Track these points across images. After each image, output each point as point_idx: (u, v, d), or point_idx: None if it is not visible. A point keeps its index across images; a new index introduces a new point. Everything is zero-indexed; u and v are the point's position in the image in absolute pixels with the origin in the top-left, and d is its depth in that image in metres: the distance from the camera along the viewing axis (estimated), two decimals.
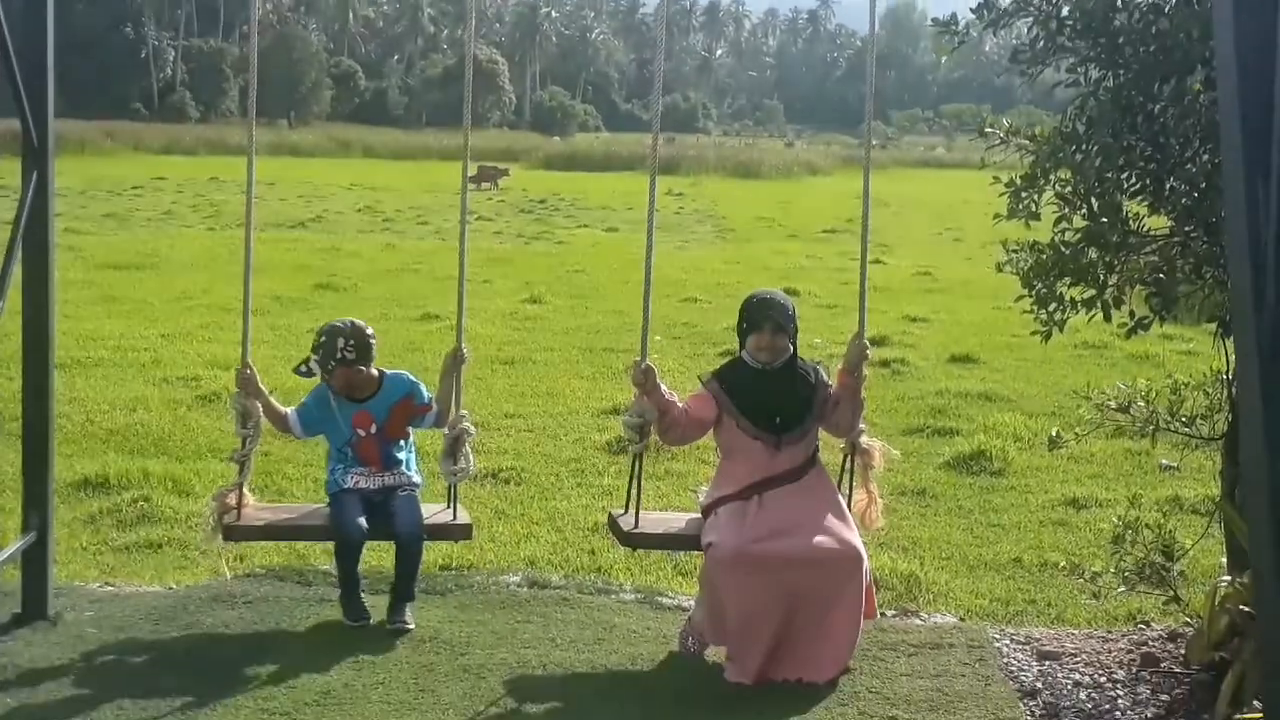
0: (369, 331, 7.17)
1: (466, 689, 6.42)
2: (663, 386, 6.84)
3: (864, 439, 6.96)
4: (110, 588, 7.85)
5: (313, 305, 18.77)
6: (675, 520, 7.39)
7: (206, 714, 6.07)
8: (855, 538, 6.65)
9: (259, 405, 7.14)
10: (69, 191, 33.26)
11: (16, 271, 6.89)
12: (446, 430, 7.33)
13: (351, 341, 7.02)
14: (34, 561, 7.16)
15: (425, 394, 7.37)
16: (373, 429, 7.25)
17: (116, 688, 6.34)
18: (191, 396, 12.88)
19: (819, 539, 6.54)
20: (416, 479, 7.45)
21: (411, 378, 7.47)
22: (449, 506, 7.45)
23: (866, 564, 6.69)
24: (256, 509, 7.34)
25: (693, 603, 7.20)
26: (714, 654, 6.78)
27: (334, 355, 7.03)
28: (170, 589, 7.86)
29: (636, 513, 7.02)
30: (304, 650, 6.86)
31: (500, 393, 13.14)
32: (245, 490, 7.18)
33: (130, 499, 9.55)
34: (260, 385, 7.16)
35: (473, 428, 7.40)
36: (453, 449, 7.29)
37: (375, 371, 7.27)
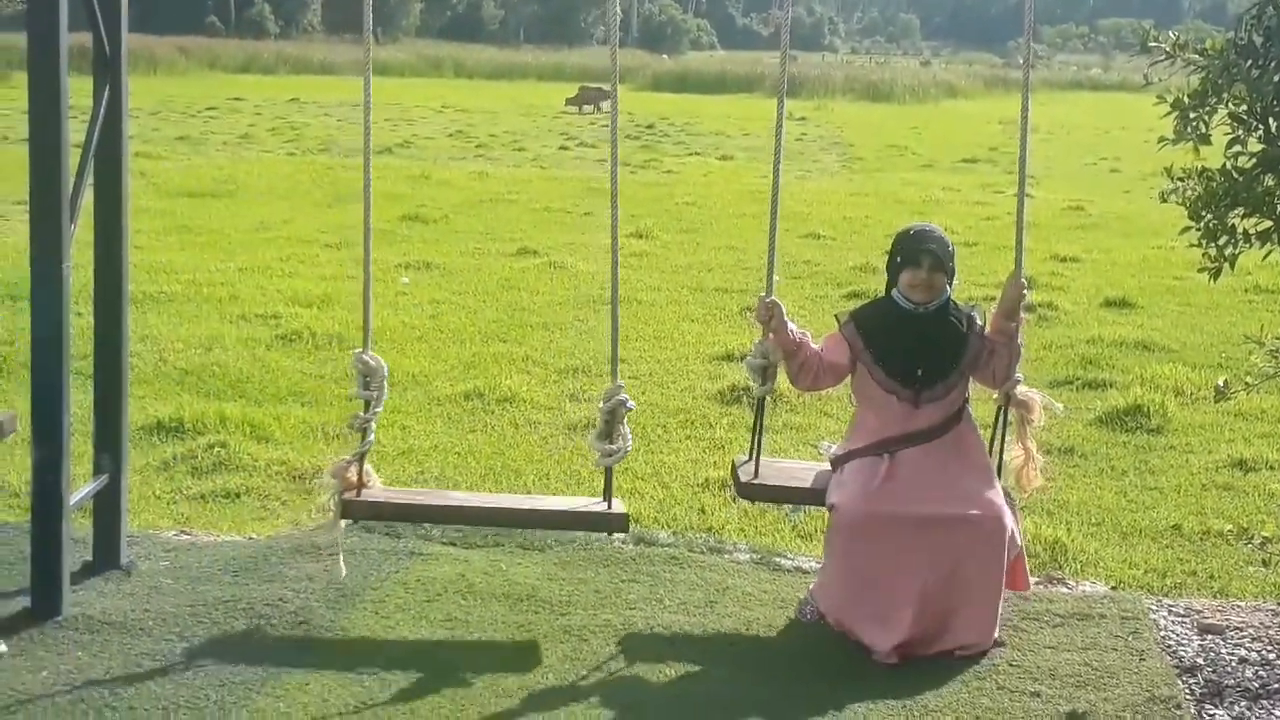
0: None
1: (568, 651, 6.45)
2: (791, 325, 6.78)
3: (1021, 389, 6.79)
4: (186, 537, 7.98)
5: (399, 238, 18.89)
6: (802, 472, 7.30)
7: (289, 673, 6.14)
8: (999, 500, 6.57)
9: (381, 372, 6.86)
10: (140, 112, 33.47)
11: (88, 197, 6.99)
12: (602, 402, 6.93)
13: None
14: (106, 507, 7.28)
15: None
16: None
17: (194, 641, 6.42)
18: (271, 335, 13.01)
19: (955, 502, 6.48)
20: None
21: None
22: (604, 497, 7.01)
23: (1013, 530, 6.60)
24: (382, 490, 7.10)
25: (817, 566, 7.19)
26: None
27: None
28: (250, 539, 7.97)
29: (757, 463, 6.98)
30: (393, 606, 6.93)
31: (603, 336, 13.14)
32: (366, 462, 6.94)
33: (206, 444, 9.66)
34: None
35: (631, 401, 6.94)
36: (608, 425, 6.85)
37: None
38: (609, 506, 6.93)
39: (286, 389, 11.22)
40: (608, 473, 6.95)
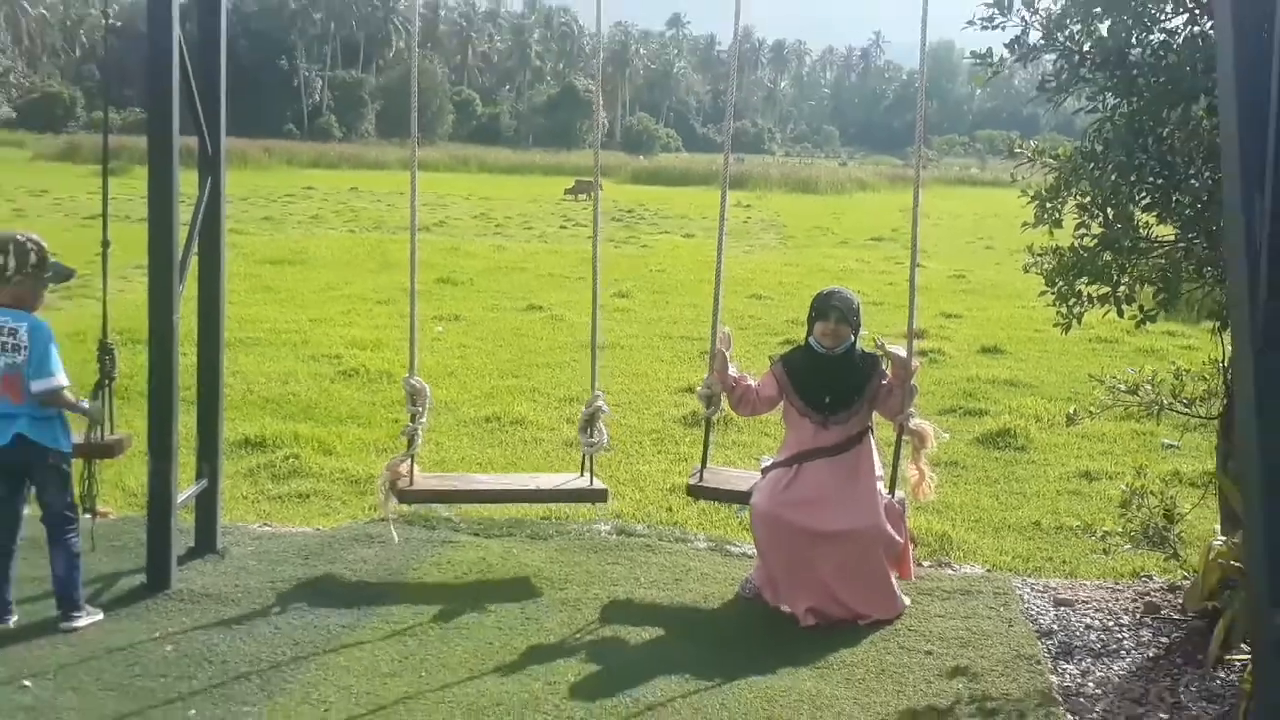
0: None
1: (565, 618, 6.49)
2: (732, 367, 6.89)
3: (914, 421, 6.81)
4: (267, 528, 8.00)
5: (435, 296, 18.88)
6: (740, 478, 7.35)
7: (346, 634, 6.18)
8: (879, 511, 6.60)
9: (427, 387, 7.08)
10: (233, 198, 33.24)
11: (193, 263, 7.04)
12: (584, 408, 7.26)
13: None
14: (205, 504, 7.31)
15: None
16: None
17: (272, 610, 6.46)
18: (334, 371, 12.99)
19: (842, 518, 6.52)
20: None
21: None
22: (584, 474, 7.35)
23: (891, 535, 6.62)
24: (423, 477, 7.27)
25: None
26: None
27: None
28: (317, 530, 7.99)
29: (702, 471, 7.11)
30: (428, 583, 6.97)
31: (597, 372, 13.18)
32: (415, 458, 7.11)
33: (283, 456, 9.68)
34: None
35: (606, 406, 7.27)
36: (589, 423, 7.21)
37: None
38: (590, 483, 7.22)
39: (346, 413, 11.24)
40: (590, 460, 7.24)
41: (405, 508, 7.89)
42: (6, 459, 6.01)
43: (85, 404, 6.34)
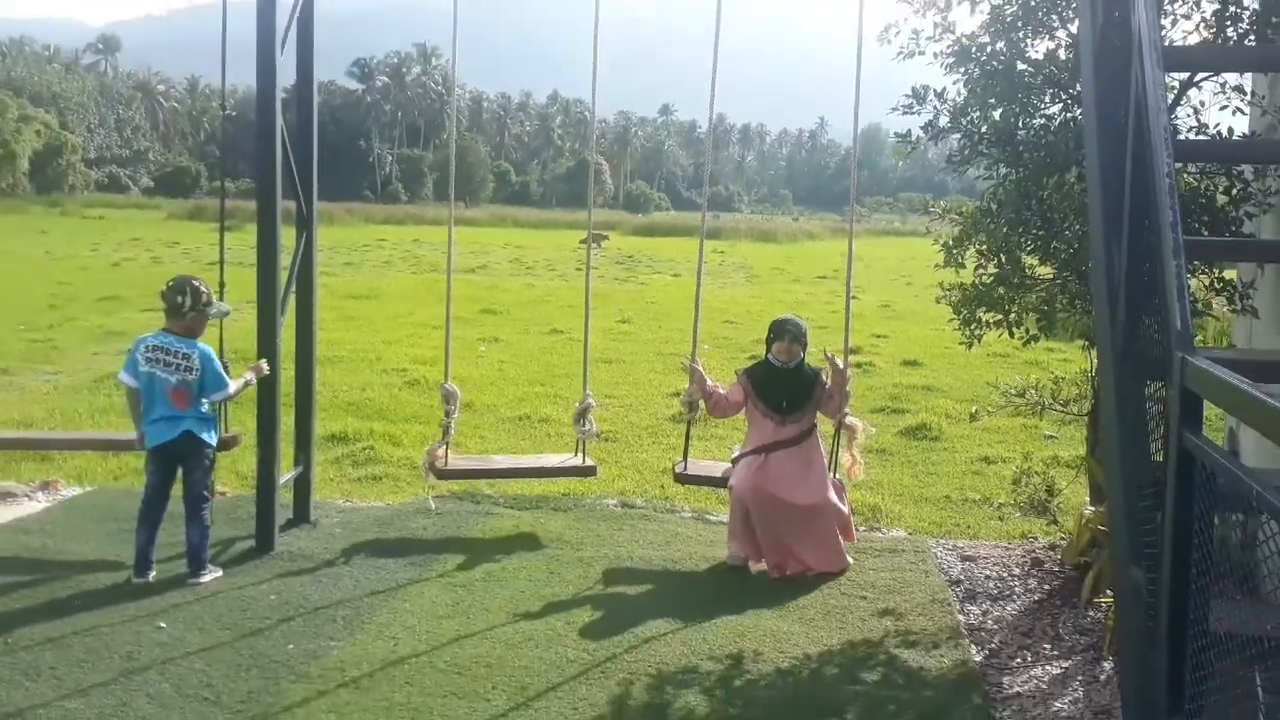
0: None
1: (581, 572, 6.49)
2: (708, 379, 6.90)
3: (849, 419, 6.86)
4: (349, 503, 7.99)
5: (478, 323, 18.89)
6: (715, 468, 7.34)
7: (410, 584, 6.18)
8: (830, 489, 6.63)
9: (458, 393, 7.13)
10: (322, 248, 33.02)
11: (291, 299, 7.05)
12: (578, 404, 7.28)
13: None
14: (300, 485, 7.32)
15: None
16: None
17: (353, 566, 6.47)
18: (401, 381, 12.95)
19: (802, 493, 6.54)
20: None
21: None
22: (578, 454, 7.44)
23: (839, 506, 6.65)
24: (455, 458, 7.32)
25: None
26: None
27: None
28: (387, 505, 7.97)
29: (686, 460, 7.10)
30: (474, 545, 6.95)
31: (603, 382, 13.16)
32: (449, 445, 7.19)
33: (361, 447, 9.67)
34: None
35: (594, 402, 7.34)
36: (581, 416, 7.24)
37: None
38: (583, 461, 7.32)
39: (410, 414, 11.22)
40: (583, 443, 7.32)
41: (455, 486, 7.93)
42: (172, 450, 6.14)
43: (247, 376, 6.47)
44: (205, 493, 6.26)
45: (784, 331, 6.77)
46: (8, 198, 72.12)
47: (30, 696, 4.71)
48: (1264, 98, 6.41)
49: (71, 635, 5.33)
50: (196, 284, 6.21)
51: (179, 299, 6.14)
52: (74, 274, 26.32)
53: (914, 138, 6.54)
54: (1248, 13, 5.80)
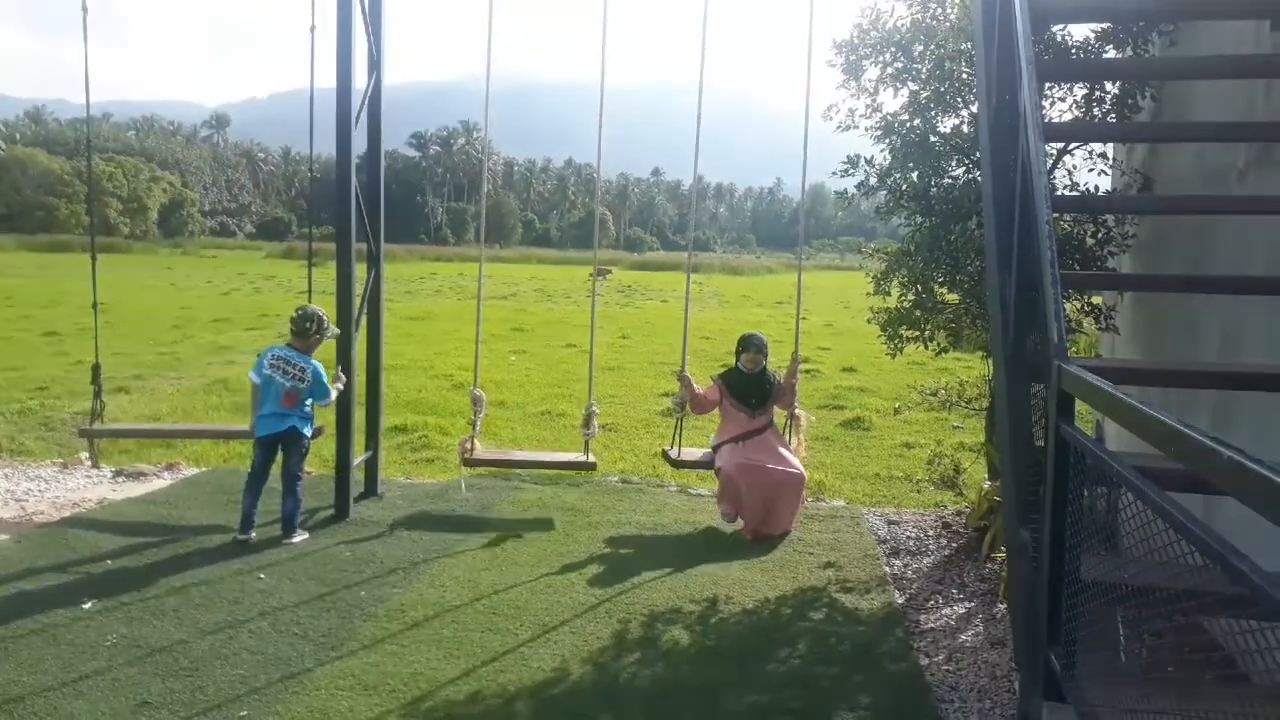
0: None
1: (590, 535, 6.47)
2: (695, 384, 6.86)
3: (799, 411, 6.89)
4: (408, 480, 7.95)
5: (508, 339, 18.84)
6: (698, 453, 7.32)
7: (456, 544, 6.15)
8: (798, 464, 6.60)
9: (484, 397, 7.06)
10: (387, 280, 33.37)
11: (363, 321, 7.02)
12: (584, 410, 7.11)
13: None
14: (370, 466, 7.29)
15: None
16: None
17: (411, 530, 6.43)
18: (449, 385, 12.89)
19: (777, 466, 6.51)
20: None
21: None
22: (585, 453, 7.17)
23: (805, 478, 6.63)
24: (482, 450, 7.19)
25: (713, 493, 7.18)
26: (714, 522, 6.80)
27: None
28: (438, 481, 7.93)
29: (679, 448, 7.04)
30: (505, 514, 6.93)
31: (608, 385, 13.15)
32: (477, 439, 7.07)
33: (417, 436, 9.62)
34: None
35: (597, 409, 7.16)
36: (587, 420, 7.05)
37: None
38: (587, 458, 7.06)
39: (456, 410, 11.15)
40: (586, 444, 7.11)
41: (488, 471, 7.88)
42: (279, 438, 6.20)
43: (339, 386, 6.52)
44: (299, 473, 6.25)
45: (750, 344, 6.79)
46: (140, 241, 72.03)
47: (158, 633, 4.70)
48: (1122, 162, 6.44)
49: (191, 585, 5.32)
50: (320, 314, 6.31)
51: (308, 325, 6.26)
52: (193, 300, 26.26)
53: (850, 194, 6.56)
54: (1109, 96, 5.83)
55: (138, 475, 7.73)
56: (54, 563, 5.61)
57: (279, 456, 6.24)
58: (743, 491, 6.51)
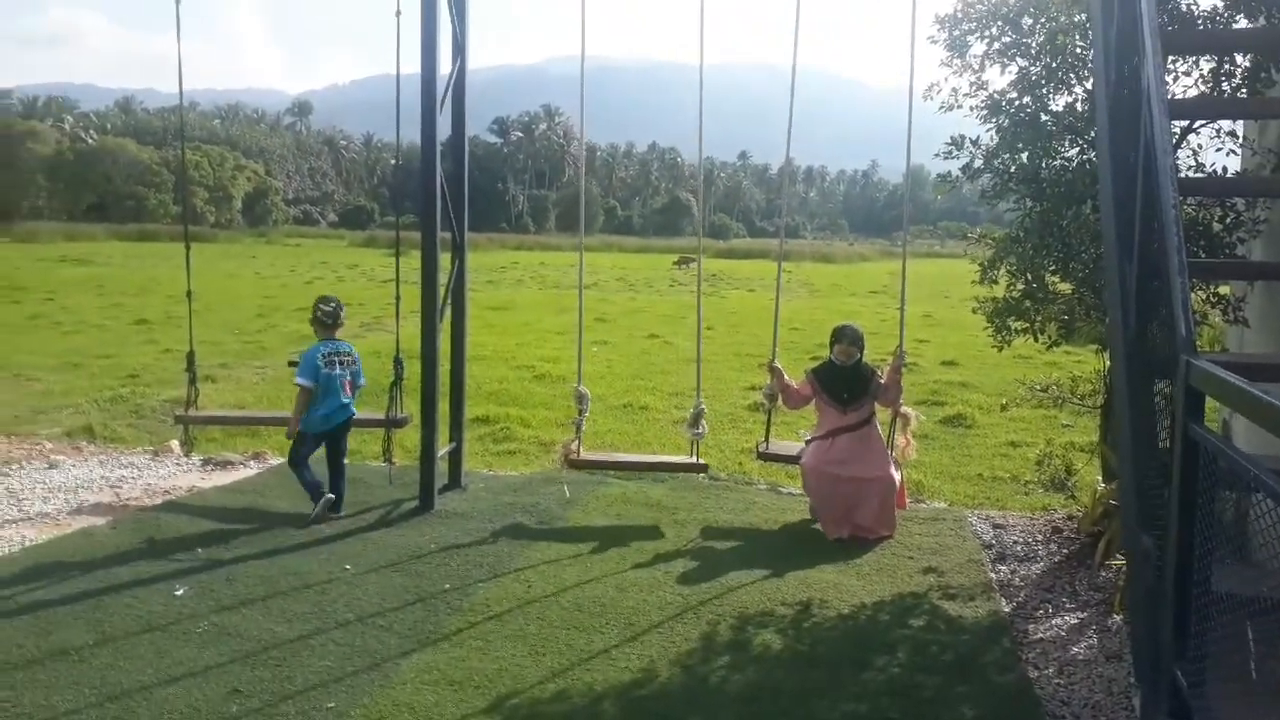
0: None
1: (676, 533, 6.48)
2: (786, 377, 6.78)
3: (904, 408, 6.73)
4: (491, 472, 8.07)
5: (592, 329, 18.95)
6: (791, 447, 7.21)
7: (539, 538, 6.23)
8: (888, 467, 6.48)
9: (589, 395, 7.06)
10: (470, 270, 33.92)
11: (447, 310, 7.15)
12: (691, 410, 6.97)
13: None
14: (454, 458, 7.43)
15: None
16: None
17: (495, 523, 6.53)
18: (531, 375, 13.07)
19: (865, 469, 6.42)
20: None
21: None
22: (692, 455, 7.01)
23: (897, 480, 6.51)
24: (585, 452, 7.16)
25: (803, 492, 7.12)
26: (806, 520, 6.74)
27: None
28: (521, 474, 8.04)
29: (768, 442, 6.98)
30: (591, 508, 6.97)
31: (691, 378, 13.09)
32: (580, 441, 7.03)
33: (500, 428, 9.76)
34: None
35: (705, 407, 6.96)
36: (695, 420, 6.89)
37: None
38: (696, 460, 6.96)
39: (538, 401, 11.31)
40: (694, 445, 6.96)
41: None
42: (340, 424, 6.64)
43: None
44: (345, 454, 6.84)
45: (843, 336, 6.68)
46: (225, 230, 74.69)
47: (247, 621, 4.88)
48: (1254, 141, 6.15)
49: (278, 574, 5.50)
50: (338, 301, 6.81)
51: (341, 314, 6.75)
52: (276, 290, 27.13)
53: (954, 177, 6.42)
54: (1239, 70, 5.57)
55: (225, 464, 8.02)
56: (148, 549, 5.88)
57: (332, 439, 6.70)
58: (819, 494, 6.46)
